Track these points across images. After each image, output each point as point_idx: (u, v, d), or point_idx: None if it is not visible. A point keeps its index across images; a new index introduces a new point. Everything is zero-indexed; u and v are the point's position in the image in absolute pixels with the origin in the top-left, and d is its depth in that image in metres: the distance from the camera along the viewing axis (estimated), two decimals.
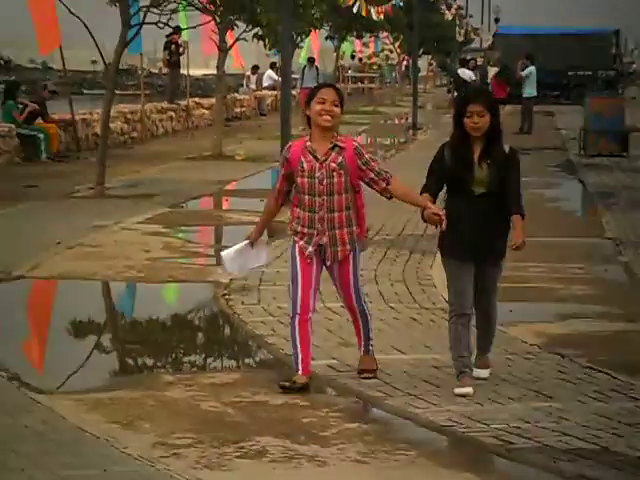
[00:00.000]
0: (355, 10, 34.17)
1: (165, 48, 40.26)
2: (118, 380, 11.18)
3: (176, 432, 9.17)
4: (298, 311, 10.10)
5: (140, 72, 42.46)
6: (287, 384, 10.14)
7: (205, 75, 54.88)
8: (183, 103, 42.01)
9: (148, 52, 44.40)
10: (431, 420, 9.51)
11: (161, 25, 27.27)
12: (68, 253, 17.02)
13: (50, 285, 15.96)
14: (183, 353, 12.51)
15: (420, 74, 71.16)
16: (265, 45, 33.98)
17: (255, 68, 57.90)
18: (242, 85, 57.40)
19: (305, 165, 10.04)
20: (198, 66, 58.79)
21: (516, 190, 10.04)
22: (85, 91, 55.52)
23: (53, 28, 31.56)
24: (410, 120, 47.65)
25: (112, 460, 8.45)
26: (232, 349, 12.91)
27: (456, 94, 49.93)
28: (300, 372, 10.13)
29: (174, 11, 28.77)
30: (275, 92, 49.99)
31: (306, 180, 10.04)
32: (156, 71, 51.29)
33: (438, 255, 10.92)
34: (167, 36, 37.96)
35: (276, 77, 47.07)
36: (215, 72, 35.86)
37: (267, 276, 14.89)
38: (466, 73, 54.22)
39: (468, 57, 66.30)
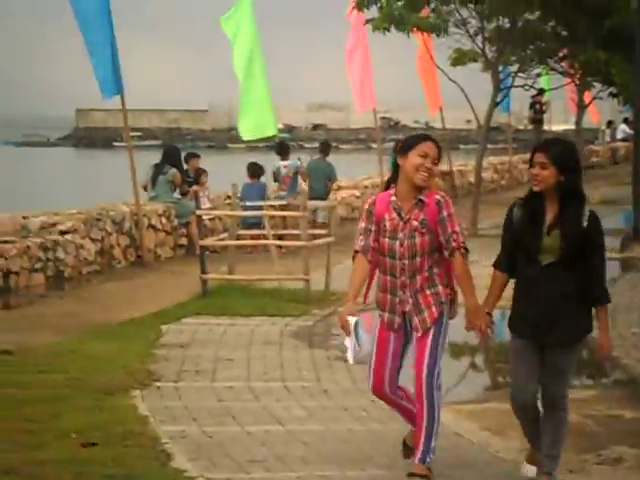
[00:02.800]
0: None
1: (530, 107, 40.26)
2: (490, 393, 11.19)
3: None
4: (371, 392, 8.09)
5: (508, 129, 43.29)
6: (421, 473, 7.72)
7: (565, 130, 54.38)
8: None
9: (515, 111, 44.41)
10: None
11: (527, 87, 27.83)
12: None
13: None
14: None
15: None
16: (619, 101, 33.49)
17: (610, 123, 57.38)
18: (597, 138, 56.79)
19: (387, 224, 7.82)
20: (559, 122, 58.38)
21: (596, 267, 7.57)
22: (461, 146, 56.03)
23: (436, 92, 32.23)
24: None
25: (485, 462, 8.51)
26: (587, 368, 12.68)
27: None
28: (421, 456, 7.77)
29: (538, 75, 29.39)
30: (627, 143, 49.20)
31: (388, 241, 7.81)
32: (522, 127, 51.22)
33: None
34: (532, 97, 38.03)
35: (629, 130, 46.23)
36: (574, 126, 35.69)
37: None
38: None
39: None
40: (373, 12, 24.13)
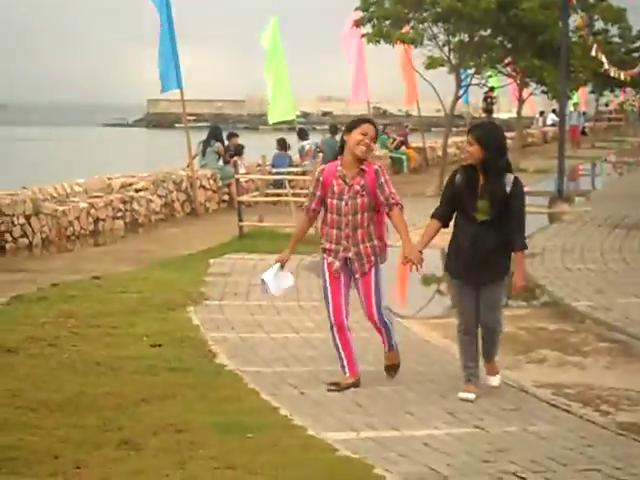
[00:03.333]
0: (612, 74, 33.06)
1: (484, 100, 39.93)
2: (450, 311, 11.25)
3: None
4: (334, 322, 7.52)
5: (467, 116, 43.37)
6: (333, 387, 7.44)
7: (509, 118, 54.04)
8: None
9: (472, 103, 44.16)
10: None
11: (481, 85, 28.12)
12: (419, 232, 17.13)
13: None
14: None
15: None
16: (548, 97, 33.41)
17: (542, 113, 57.37)
18: (532, 124, 56.56)
19: (335, 188, 7.46)
20: (504, 112, 58.16)
21: (516, 222, 7.21)
22: (432, 129, 55.68)
23: (414, 88, 32.20)
24: None
25: (447, 360, 8.56)
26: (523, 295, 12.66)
27: None
28: (348, 374, 7.54)
29: (490, 76, 29.81)
30: (555, 128, 48.95)
31: (335, 202, 7.45)
32: (477, 115, 50.90)
33: None
34: (485, 92, 37.83)
35: (556, 118, 45.96)
36: (516, 115, 35.67)
37: None
38: None
39: None
40: (367, 28, 24.25)
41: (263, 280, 7.74)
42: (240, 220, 16.24)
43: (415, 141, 33.65)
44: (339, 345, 7.54)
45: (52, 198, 16.79)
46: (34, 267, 13.22)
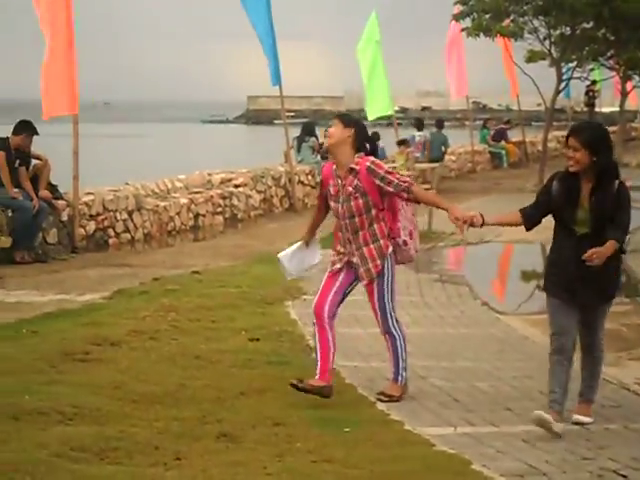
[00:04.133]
0: None
1: (585, 94, 39.35)
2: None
3: None
4: (313, 310, 7.04)
5: (569, 110, 42.76)
6: (296, 383, 6.81)
7: (612, 111, 53.10)
8: None
9: (574, 97, 43.51)
10: None
11: (583, 79, 27.78)
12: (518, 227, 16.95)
13: (510, 247, 15.96)
14: None
15: None
16: None
17: None
18: (636, 117, 55.38)
19: (332, 189, 6.99)
20: (607, 105, 57.12)
21: (618, 225, 6.38)
22: (533, 123, 54.96)
23: (514, 82, 31.84)
24: None
25: (545, 357, 8.43)
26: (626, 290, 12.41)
27: None
28: (316, 377, 6.85)
29: (592, 69, 29.42)
30: None
31: (332, 204, 7.02)
32: (579, 109, 50.11)
33: None
34: (587, 86, 37.26)
35: None
36: (618, 109, 35.07)
37: None
38: None
39: None
40: (466, 22, 24.11)
41: (279, 259, 7.43)
42: None
43: (515, 135, 33.34)
44: (316, 342, 6.99)
45: (154, 194, 17.06)
46: (136, 262, 13.44)
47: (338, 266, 7.03)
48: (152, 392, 6.81)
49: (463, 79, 29.18)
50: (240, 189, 18.89)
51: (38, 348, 7.97)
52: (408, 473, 5.52)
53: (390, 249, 6.92)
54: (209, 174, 19.49)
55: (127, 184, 16.65)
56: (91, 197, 14.96)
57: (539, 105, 33.48)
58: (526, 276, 13.18)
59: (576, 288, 6.44)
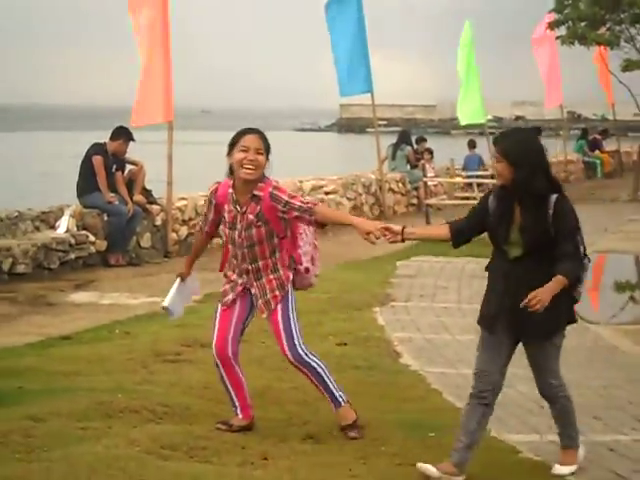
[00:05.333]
0: None
1: None
2: None
3: None
4: (215, 357, 6.35)
5: None
6: (223, 427, 6.25)
7: None
8: None
9: None
10: None
11: None
12: (612, 237, 16.80)
13: (602, 257, 15.76)
14: None
15: None
16: None
17: None
18: None
19: (227, 215, 6.21)
20: None
21: (563, 250, 5.37)
22: (629, 134, 54.17)
23: (609, 91, 31.42)
24: None
25: (636, 367, 8.34)
26: None
27: None
28: (240, 416, 6.32)
29: None
30: None
31: (228, 231, 6.23)
32: None
33: None
34: None
35: None
36: None
37: None
38: None
39: None
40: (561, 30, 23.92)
41: (165, 307, 6.69)
42: (428, 223, 16.30)
43: (610, 145, 32.93)
44: (227, 383, 6.37)
45: None
46: None
47: (231, 297, 6.32)
48: None
49: (557, 88, 28.87)
50: (330, 196, 18.99)
51: (131, 349, 8.16)
52: (494, 479, 5.52)
53: (290, 278, 6.29)
54: (300, 181, 19.63)
55: None
56: (184, 202, 15.22)
57: (636, 115, 33.03)
58: (618, 286, 13.01)
59: (508, 320, 5.50)
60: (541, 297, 5.27)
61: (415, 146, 22.46)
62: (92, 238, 13.22)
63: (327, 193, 19.10)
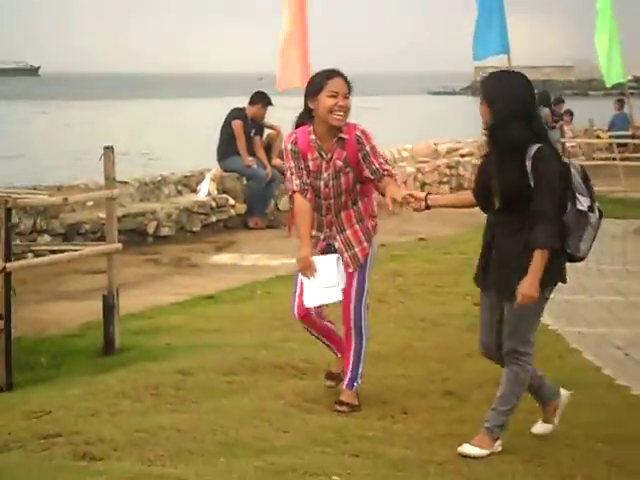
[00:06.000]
0: None
1: None
2: None
3: None
4: (296, 317, 5.87)
5: None
6: (331, 382, 6.08)
7: None
8: None
9: None
10: None
11: None
12: None
13: None
14: None
15: None
16: None
17: None
18: None
19: (311, 164, 5.64)
20: None
21: (536, 208, 4.85)
22: None
23: None
24: None
25: None
26: None
27: None
28: (339, 355, 6.02)
29: None
30: None
31: (312, 181, 5.67)
32: None
33: None
34: None
35: None
36: None
37: None
38: None
39: None
40: None
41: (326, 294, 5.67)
42: None
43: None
44: (321, 338, 6.02)
45: None
46: None
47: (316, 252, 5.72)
48: (379, 351, 7.01)
49: None
50: (466, 158, 18.94)
51: (272, 308, 8.38)
52: (632, 437, 5.51)
53: (376, 226, 5.83)
54: (435, 144, 19.63)
55: None
56: None
57: None
58: None
59: (490, 273, 5.13)
60: (526, 292, 4.88)
61: (553, 107, 22.14)
62: (232, 201, 13.55)
63: (463, 155, 19.06)
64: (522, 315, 5.03)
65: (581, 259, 5.12)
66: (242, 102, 14.30)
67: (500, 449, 5.17)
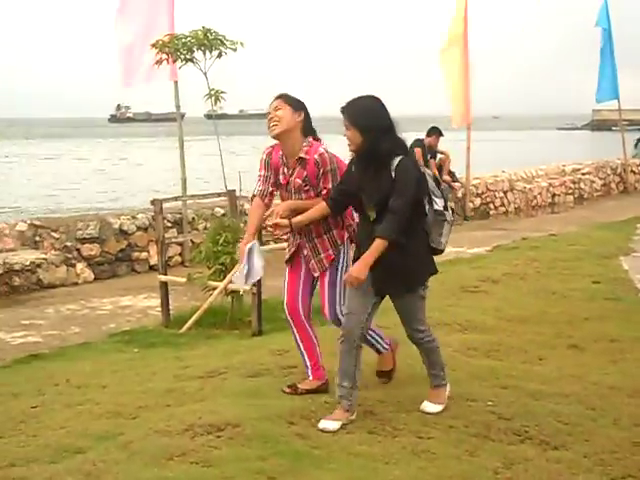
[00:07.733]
0: None
1: None
2: None
3: None
4: (287, 313, 4.71)
5: None
6: (288, 390, 4.68)
7: None
8: None
9: None
10: None
11: None
12: None
13: None
14: None
15: None
16: None
17: None
18: None
19: (281, 177, 4.59)
20: None
21: (390, 206, 4.02)
22: None
23: None
24: None
25: None
26: None
27: None
28: (310, 378, 4.71)
29: None
30: None
31: (284, 193, 4.62)
32: None
33: None
34: None
35: None
36: None
37: None
38: None
39: None
40: None
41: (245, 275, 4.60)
42: None
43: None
44: (299, 342, 4.75)
45: (522, 179, 16.97)
46: (509, 227, 13.56)
47: (288, 256, 4.72)
48: (521, 315, 6.86)
49: None
50: (586, 176, 18.26)
51: (443, 282, 8.25)
52: None
53: (346, 237, 4.63)
54: (563, 165, 18.98)
55: (503, 172, 16.74)
56: (478, 181, 15.34)
57: None
58: None
59: (373, 279, 4.17)
60: (355, 274, 4.06)
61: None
62: None
63: (584, 174, 18.35)
64: (414, 306, 4.31)
65: (442, 251, 4.34)
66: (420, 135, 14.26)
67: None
